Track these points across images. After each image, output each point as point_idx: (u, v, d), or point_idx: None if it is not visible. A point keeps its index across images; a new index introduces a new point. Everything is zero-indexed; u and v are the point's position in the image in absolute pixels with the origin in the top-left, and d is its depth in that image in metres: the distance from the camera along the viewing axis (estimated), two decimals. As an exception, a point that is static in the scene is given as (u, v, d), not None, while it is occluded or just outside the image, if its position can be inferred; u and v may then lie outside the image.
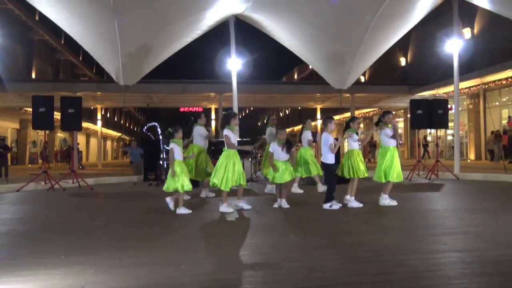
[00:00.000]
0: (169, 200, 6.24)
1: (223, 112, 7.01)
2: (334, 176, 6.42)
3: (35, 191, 9.93)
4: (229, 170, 6.05)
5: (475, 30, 21.34)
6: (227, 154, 6.17)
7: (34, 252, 3.95)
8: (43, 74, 32.07)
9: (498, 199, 7.40)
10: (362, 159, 6.55)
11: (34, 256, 3.78)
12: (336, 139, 6.75)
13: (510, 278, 2.98)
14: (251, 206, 6.41)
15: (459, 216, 5.69)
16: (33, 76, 30.17)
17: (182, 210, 6.07)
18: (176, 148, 6.20)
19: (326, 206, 6.22)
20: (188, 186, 6.13)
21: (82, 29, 11.77)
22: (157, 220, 5.75)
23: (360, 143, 6.59)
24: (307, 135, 8.66)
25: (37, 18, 28.13)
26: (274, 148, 6.47)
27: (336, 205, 6.23)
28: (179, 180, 6.05)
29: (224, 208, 6.09)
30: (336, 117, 32.12)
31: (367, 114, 31.38)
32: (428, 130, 14.47)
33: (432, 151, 23.06)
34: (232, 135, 6.25)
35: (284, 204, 6.41)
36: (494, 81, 18.82)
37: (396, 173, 6.38)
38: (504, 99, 20.42)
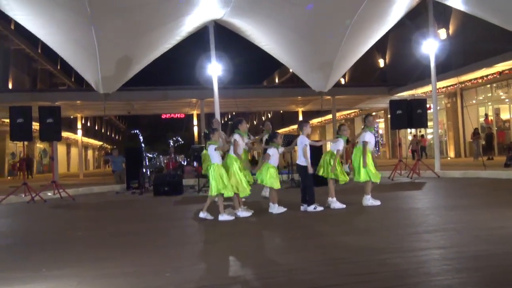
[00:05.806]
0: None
1: (229, 122, 6.93)
2: (311, 178, 6.47)
3: (15, 203, 9.72)
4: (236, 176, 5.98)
5: (450, 31, 21.81)
6: (230, 160, 6.10)
7: (14, 267, 3.86)
8: (20, 84, 31.46)
9: (476, 196, 7.57)
10: (338, 162, 6.63)
11: (14, 271, 3.69)
12: (318, 141, 6.79)
13: (489, 272, 3.05)
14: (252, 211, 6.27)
15: (440, 213, 5.79)
16: (10, 86, 29.58)
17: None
18: (212, 151, 5.93)
19: (311, 208, 6.26)
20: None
21: (59, 38, 11.62)
22: (140, 229, 5.70)
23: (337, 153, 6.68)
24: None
25: (12, 27, 27.62)
26: (273, 152, 6.44)
27: (320, 207, 6.28)
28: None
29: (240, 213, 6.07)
30: (318, 120, 32.43)
31: (348, 116, 31.70)
32: (409, 130, 14.73)
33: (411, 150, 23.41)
34: (241, 140, 6.26)
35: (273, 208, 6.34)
36: (470, 80, 19.29)
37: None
38: (481, 97, 20.90)
